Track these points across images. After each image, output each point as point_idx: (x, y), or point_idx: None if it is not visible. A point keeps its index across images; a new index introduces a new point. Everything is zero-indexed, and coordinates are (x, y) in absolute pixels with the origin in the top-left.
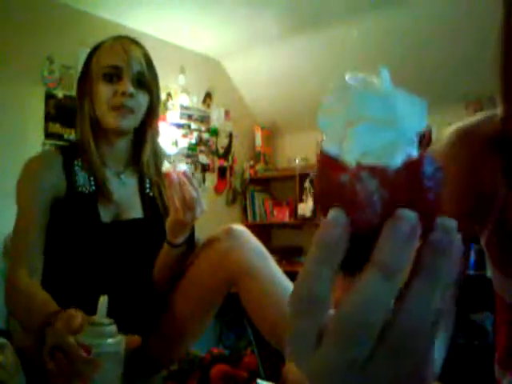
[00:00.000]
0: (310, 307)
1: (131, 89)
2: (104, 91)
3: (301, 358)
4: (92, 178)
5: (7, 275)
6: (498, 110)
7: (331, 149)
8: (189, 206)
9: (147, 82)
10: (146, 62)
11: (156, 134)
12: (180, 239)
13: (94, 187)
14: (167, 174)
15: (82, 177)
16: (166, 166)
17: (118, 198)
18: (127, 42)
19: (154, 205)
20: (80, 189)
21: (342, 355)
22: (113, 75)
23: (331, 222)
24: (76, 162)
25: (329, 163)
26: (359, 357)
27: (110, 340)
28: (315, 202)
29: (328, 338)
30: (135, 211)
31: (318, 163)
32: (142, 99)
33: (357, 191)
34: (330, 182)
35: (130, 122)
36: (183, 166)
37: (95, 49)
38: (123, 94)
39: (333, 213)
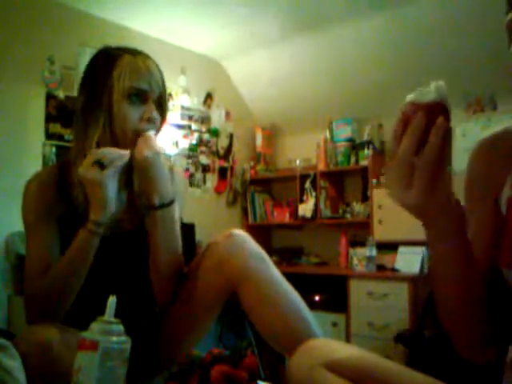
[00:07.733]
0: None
1: (156, 115)
2: (130, 114)
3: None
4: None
5: (26, 290)
6: None
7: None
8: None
9: (164, 103)
10: (162, 82)
11: None
12: (156, 199)
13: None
14: None
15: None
16: None
17: (117, 212)
18: (147, 60)
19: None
20: (77, 205)
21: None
22: (137, 97)
23: None
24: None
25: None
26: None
27: (116, 338)
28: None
29: None
30: (129, 223)
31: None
32: (159, 121)
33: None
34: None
35: None
36: None
37: (112, 59)
38: (148, 119)
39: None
